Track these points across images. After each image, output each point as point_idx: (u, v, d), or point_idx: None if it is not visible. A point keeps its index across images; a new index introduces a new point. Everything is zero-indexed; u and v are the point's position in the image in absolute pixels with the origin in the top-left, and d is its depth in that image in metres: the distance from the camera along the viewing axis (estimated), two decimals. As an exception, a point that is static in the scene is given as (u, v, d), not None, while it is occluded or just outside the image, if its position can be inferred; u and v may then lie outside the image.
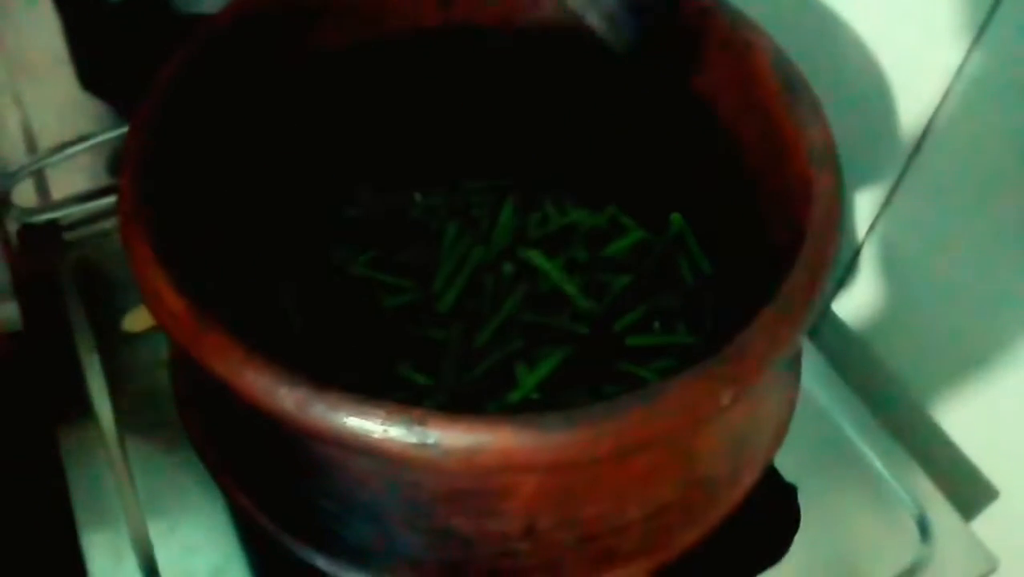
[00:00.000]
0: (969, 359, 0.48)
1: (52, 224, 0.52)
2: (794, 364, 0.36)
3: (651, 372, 0.39)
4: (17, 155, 0.55)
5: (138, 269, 0.28)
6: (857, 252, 0.53)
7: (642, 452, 0.27)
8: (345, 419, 0.24)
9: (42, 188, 0.54)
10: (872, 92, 0.47)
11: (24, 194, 0.53)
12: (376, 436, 0.24)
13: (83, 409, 0.46)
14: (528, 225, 0.45)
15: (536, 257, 0.43)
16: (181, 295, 0.27)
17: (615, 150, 0.44)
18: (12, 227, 0.52)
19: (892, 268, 0.51)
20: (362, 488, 0.29)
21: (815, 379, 0.50)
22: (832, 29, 0.47)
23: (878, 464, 0.47)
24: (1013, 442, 0.47)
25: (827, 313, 0.56)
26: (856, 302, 0.54)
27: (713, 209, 0.41)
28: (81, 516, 0.43)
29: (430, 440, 0.24)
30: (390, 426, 0.24)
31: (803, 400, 0.48)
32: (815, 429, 0.48)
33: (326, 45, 0.37)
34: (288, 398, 0.25)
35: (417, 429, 0.24)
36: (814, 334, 0.57)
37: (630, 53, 0.33)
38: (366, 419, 0.24)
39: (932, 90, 0.44)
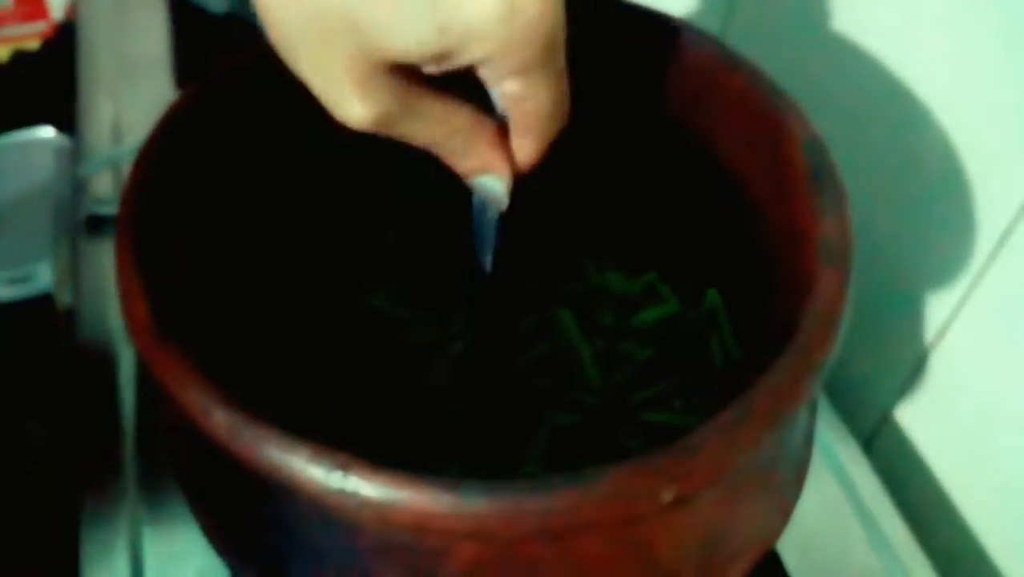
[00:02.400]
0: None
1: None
2: (795, 469, 0.33)
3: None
4: (102, 146, 0.58)
5: (117, 270, 0.28)
6: (923, 358, 0.49)
7: (584, 537, 0.26)
8: (269, 451, 0.24)
9: (118, 182, 0.56)
10: (956, 181, 0.44)
11: (101, 186, 0.56)
12: (296, 473, 0.24)
13: (109, 405, 0.47)
14: (562, 281, 0.44)
15: (562, 317, 0.42)
16: (147, 302, 0.27)
17: (660, 219, 0.43)
18: (83, 214, 0.54)
19: (961, 382, 0.47)
20: (301, 525, 0.28)
21: (861, 495, 0.47)
22: (916, 121, 0.45)
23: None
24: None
25: (887, 421, 0.53)
26: (920, 414, 0.51)
27: (748, 293, 0.39)
28: (85, 504, 0.44)
29: (349, 488, 0.23)
30: (311, 467, 0.24)
31: (843, 512, 0.46)
32: (851, 545, 0.45)
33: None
34: (221, 422, 0.25)
35: (337, 474, 0.23)
36: (871, 443, 0.54)
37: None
38: (289, 456, 0.24)
39: (1014, 198, 0.41)
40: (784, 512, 0.32)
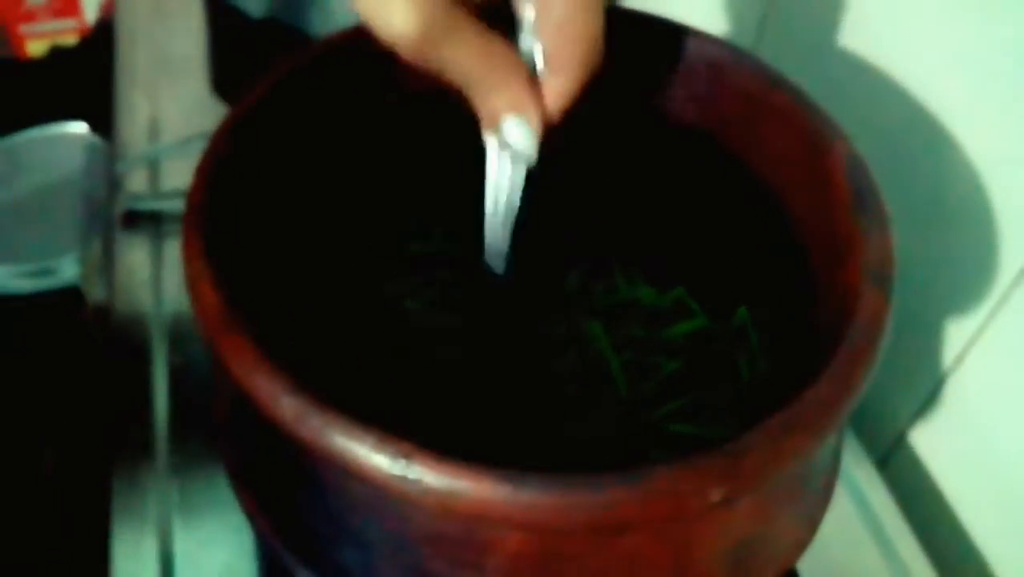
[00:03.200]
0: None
1: (156, 214, 0.55)
2: (823, 483, 0.34)
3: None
4: (139, 143, 0.59)
5: (186, 259, 0.29)
6: (940, 382, 0.50)
7: (627, 534, 0.27)
8: (336, 438, 0.25)
9: (155, 179, 0.57)
10: (980, 209, 0.45)
11: (137, 182, 0.57)
12: (361, 460, 0.25)
13: (142, 397, 0.48)
14: (594, 292, 0.45)
15: (592, 328, 0.43)
16: (218, 290, 0.28)
17: (694, 232, 0.44)
18: (119, 210, 0.55)
19: (976, 407, 0.48)
20: (353, 514, 0.29)
21: (875, 512, 0.48)
22: (941, 148, 0.46)
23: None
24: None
25: (902, 442, 0.54)
26: (935, 437, 0.52)
27: (780, 308, 0.40)
28: (116, 494, 0.44)
29: (412, 475, 0.24)
30: (376, 453, 0.25)
31: (859, 529, 0.47)
32: (865, 560, 0.46)
33: (419, 89, 0.38)
34: (288, 408, 0.25)
35: (401, 462, 0.24)
36: (885, 463, 0.55)
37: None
38: (355, 442, 0.25)
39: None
40: (811, 525, 0.33)
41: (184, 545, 0.43)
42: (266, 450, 0.31)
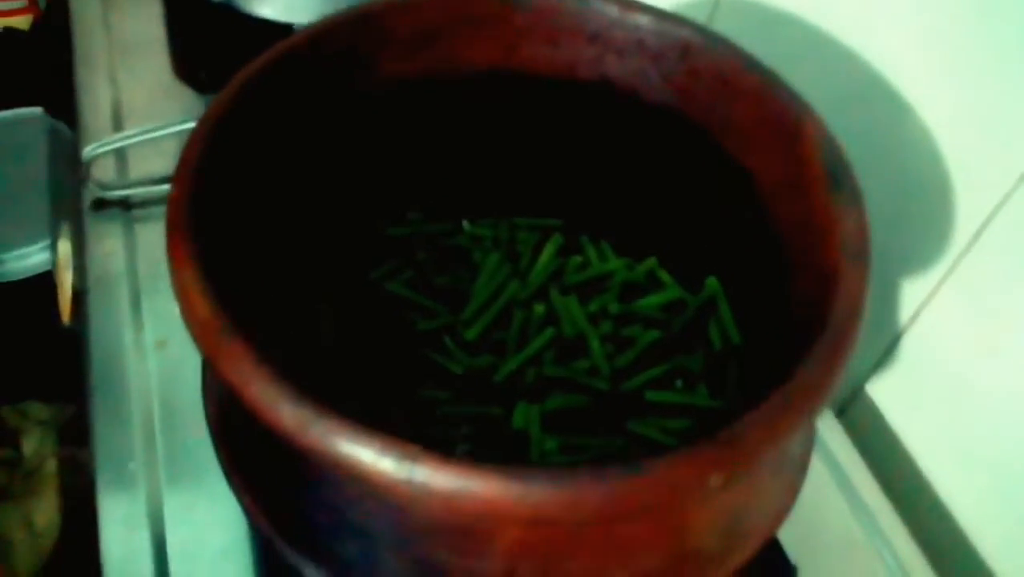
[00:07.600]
0: (1005, 474, 0.46)
1: (124, 201, 0.55)
2: (803, 452, 0.35)
3: (664, 433, 0.39)
4: (104, 130, 0.58)
5: (174, 270, 0.29)
6: (898, 337, 0.52)
7: (628, 520, 0.28)
8: (340, 445, 0.25)
9: (122, 165, 0.57)
10: (936, 175, 0.46)
11: (104, 169, 0.56)
12: (367, 466, 0.25)
13: (121, 380, 0.48)
14: (567, 268, 0.46)
15: (569, 304, 0.44)
16: (209, 301, 0.28)
17: (663, 207, 0.44)
18: (88, 198, 0.55)
19: (931, 361, 0.50)
20: (354, 508, 0.30)
21: (837, 458, 0.49)
22: (900, 115, 0.47)
23: (889, 558, 0.46)
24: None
25: (860, 394, 0.55)
26: (891, 389, 0.53)
27: (749, 278, 0.41)
28: (102, 480, 0.44)
29: (418, 478, 0.25)
30: (382, 458, 0.25)
31: (821, 478, 0.48)
32: (829, 509, 0.48)
33: (393, 75, 0.38)
34: (290, 417, 0.26)
35: (407, 465, 0.25)
36: (843, 412, 0.56)
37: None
38: (360, 447, 0.25)
39: (997, 184, 0.43)
40: (793, 491, 0.35)
41: (177, 531, 0.43)
42: (263, 449, 0.32)
